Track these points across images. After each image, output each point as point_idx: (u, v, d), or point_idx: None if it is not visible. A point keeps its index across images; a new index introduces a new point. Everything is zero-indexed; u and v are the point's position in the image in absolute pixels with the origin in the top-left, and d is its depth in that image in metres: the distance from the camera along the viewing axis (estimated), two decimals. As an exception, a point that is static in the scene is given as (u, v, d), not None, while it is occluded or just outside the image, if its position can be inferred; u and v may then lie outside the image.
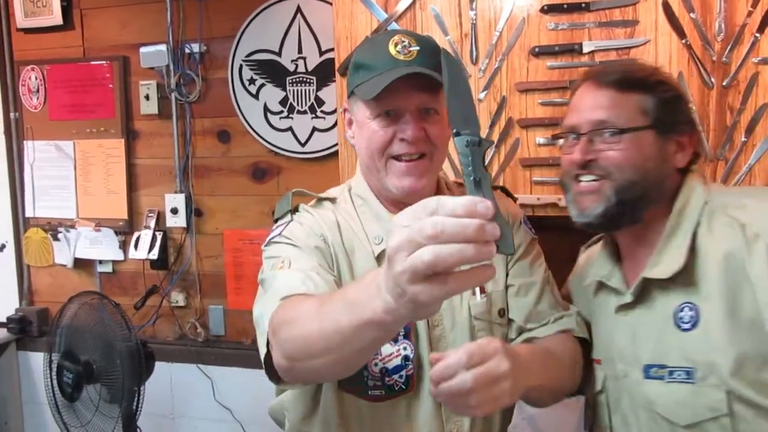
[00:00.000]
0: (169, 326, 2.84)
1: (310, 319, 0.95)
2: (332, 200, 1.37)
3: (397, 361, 1.23)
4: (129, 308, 2.63)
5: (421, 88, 1.20)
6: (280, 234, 1.29)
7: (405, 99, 1.21)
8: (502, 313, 1.33)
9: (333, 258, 1.26)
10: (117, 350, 2.24)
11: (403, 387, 1.24)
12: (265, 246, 1.31)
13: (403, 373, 1.24)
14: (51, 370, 2.39)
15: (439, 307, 0.76)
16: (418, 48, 1.21)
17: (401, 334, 1.24)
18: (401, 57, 1.20)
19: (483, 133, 1.93)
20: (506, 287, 1.35)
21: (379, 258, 1.27)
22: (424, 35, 1.28)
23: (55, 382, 2.35)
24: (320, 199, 1.37)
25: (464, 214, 0.68)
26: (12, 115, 2.95)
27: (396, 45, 1.21)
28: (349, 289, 0.90)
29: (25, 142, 2.95)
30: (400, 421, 1.26)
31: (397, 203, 1.30)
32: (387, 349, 1.23)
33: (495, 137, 1.92)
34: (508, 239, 0.70)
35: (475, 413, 1.03)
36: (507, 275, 1.35)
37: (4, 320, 2.99)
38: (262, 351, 1.10)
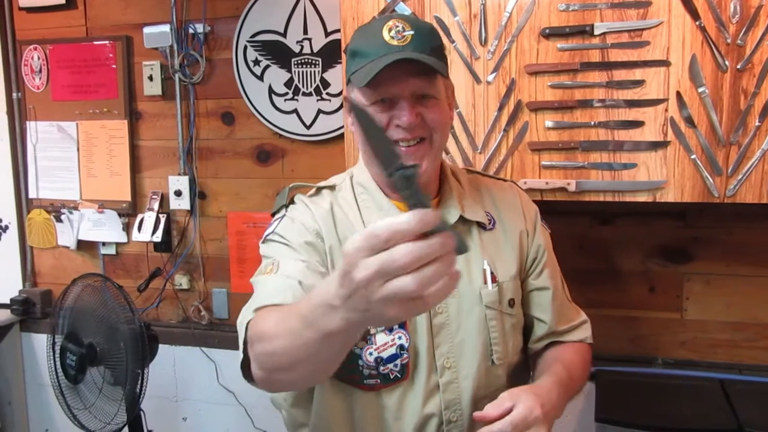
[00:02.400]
0: (173, 309, 2.83)
1: (276, 336, 0.95)
2: (332, 188, 1.36)
3: (392, 351, 1.23)
4: (132, 291, 2.62)
5: (416, 73, 1.19)
6: (273, 231, 1.28)
7: (400, 85, 1.19)
8: (512, 303, 1.32)
9: (327, 252, 1.25)
10: (120, 333, 2.23)
11: (399, 375, 1.24)
12: (262, 243, 1.31)
13: (398, 362, 1.24)
14: (54, 352, 2.38)
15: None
16: (412, 32, 1.19)
17: (397, 323, 1.23)
18: (395, 42, 1.18)
19: (491, 116, 1.90)
20: (533, 287, 1.38)
21: None
22: (419, 18, 1.26)
23: (58, 364, 2.35)
24: (319, 189, 1.36)
25: (421, 230, 0.70)
26: (14, 95, 2.92)
27: (390, 30, 1.19)
28: (302, 305, 0.88)
29: (27, 122, 2.93)
30: (395, 409, 1.26)
31: None
32: (381, 338, 1.23)
33: (503, 120, 1.89)
34: (461, 241, 0.73)
35: None
36: (533, 272, 1.38)
37: (8, 302, 2.98)
38: (239, 357, 1.09)
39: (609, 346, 2.20)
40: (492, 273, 1.29)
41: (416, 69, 1.18)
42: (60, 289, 2.47)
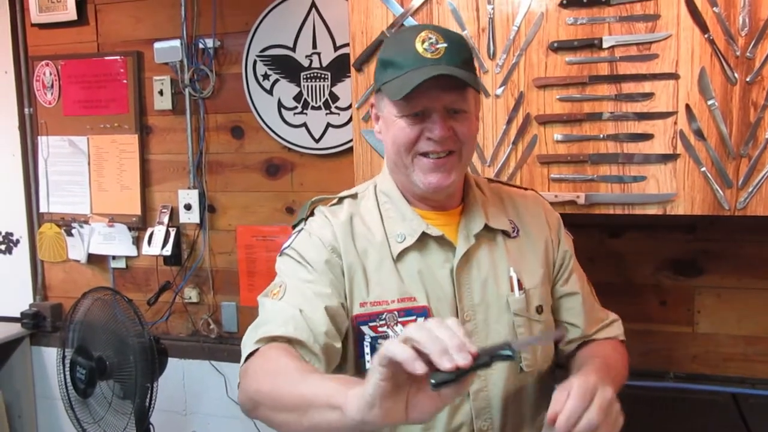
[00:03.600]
0: (182, 322, 2.84)
1: (278, 396, 1.01)
2: (353, 197, 1.36)
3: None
4: (142, 304, 2.63)
5: (449, 88, 1.19)
6: (290, 245, 1.30)
7: (432, 99, 1.19)
8: (540, 310, 1.32)
9: (343, 270, 1.25)
10: (130, 346, 2.23)
11: None
12: (279, 255, 1.32)
13: None
14: (64, 365, 2.39)
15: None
16: (445, 45, 1.19)
17: None
18: (428, 55, 1.18)
19: (500, 129, 1.90)
20: (561, 293, 1.38)
21: (400, 256, 1.26)
22: (450, 30, 1.26)
23: (68, 377, 2.35)
24: (341, 198, 1.36)
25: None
26: (26, 110, 2.95)
27: (423, 42, 1.19)
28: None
29: (39, 137, 2.95)
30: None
31: (423, 199, 1.30)
32: None
33: (512, 133, 1.89)
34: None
35: None
36: (560, 278, 1.39)
37: (18, 315, 2.99)
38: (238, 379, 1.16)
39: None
40: (519, 280, 1.30)
41: (449, 83, 1.18)
42: (70, 303, 2.48)
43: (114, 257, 2.90)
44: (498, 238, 1.33)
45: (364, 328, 1.24)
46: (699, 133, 1.76)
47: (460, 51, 1.21)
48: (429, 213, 1.30)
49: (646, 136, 1.80)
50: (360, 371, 1.24)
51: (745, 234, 2.11)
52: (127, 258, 2.89)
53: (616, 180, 1.83)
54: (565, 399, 0.99)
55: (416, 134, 1.21)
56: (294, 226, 1.36)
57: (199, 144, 2.74)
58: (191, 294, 2.78)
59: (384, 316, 1.23)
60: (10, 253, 3.05)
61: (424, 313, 1.24)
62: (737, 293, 2.15)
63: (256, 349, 1.14)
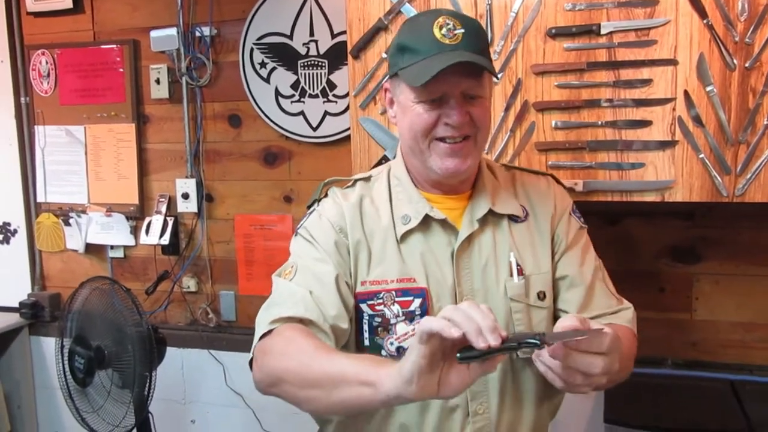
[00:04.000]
0: (181, 312, 2.84)
1: (300, 365, 1.06)
2: (367, 179, 1.38)
3: (413, 341, 1.22)
4: (140, 293, 2.62)
5: (467, 73, 1.19)
6: (302, 226, 1.34)
7: (451, 85, 1.19)
8: (542, 296, 1.31)
9: (350, 249, 1.28)
10: (128, 336, 2.23)
11: None
12: (294, 236, 1.36)
13: None
14: (63, 355, 2.39)
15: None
16: (463, 31, 1.19)
17: (417, 313, 1.25)
18: (447, 41, 1.18)
19: (498, 116, 1.89)
20: (554, 277, 1.34)
21: (404, 237, 1.28)
22: (468, 17, 1.26)
23: (67, 367, 2.35)
24: (355, 181, 1.38)
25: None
26: (22, 99, 2.94)
27: (441, 28, 1.19)
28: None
29: (35, 126, 2.94)
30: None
31: (438, 184, 1.31)
32: (402, 328, 1.25)
33: (510, 120, 1.89)
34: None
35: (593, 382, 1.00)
36: (554, 261, 1.35)
37: (17, 305, 2.99)
38: (250, 356, 1.19)
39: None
40: (519, 265, 1.29)
41: (467, 69, 1.18)
42: (68, 293, 2.48)
43: (112, 247, 2.90)
44: (504, 222, 1.33)
45: (363, 306, 1.27)
46: (697, 120, 1.75)
47: (477, 37, 1.21)
48: (437, 197, 1.32)
49: (645, 123, 1.79)
50: (359, 348, 1.28)
51: (743, 220, 2.11)
52: (125, 247, 2.89)
53: (615, 167, 1.83)
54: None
55: (434, 119, 1.22)
56: (309, 206, 1.38)
57: (197, 133, 2.73)
58: (189, 283, 2.78)
59: (381, 295, 1.26)
60: (8, 243, 3.05)
61: (422, 294, 1.25)
62: (735, 280, 2.15)
63: (271, 330, 1.17)
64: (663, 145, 1.78)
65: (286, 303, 1.21)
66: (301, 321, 1.17)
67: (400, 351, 1.25)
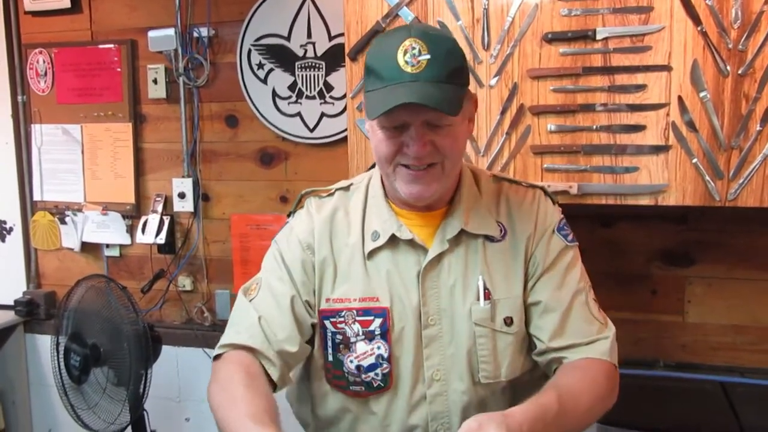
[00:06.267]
0: (176, 310, 2.85)
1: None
2: (346, 188, 1.36)
3: (371, 360, 1.26)
4: (136, 292, 2.63)
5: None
6: (276, 237, 1.35)
7: (411, 114, 1.14)
8: (509, 321, 1.26)
9: (315, 266, 1.29)
10: (124, 334, 2.24)
11: (382, 384, 1.26)
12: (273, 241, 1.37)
13: (379, 371, 1.26)
14: (58, 352, 2.39)
15: None
16: (428, 57, 1.12)
17: (377, 333, 1.25)
18: (409, 69, 1.12)
19: (494, 120, 1.91)
20: (528, 302, 1.28)
21: (371, 254, 1.27)
22: (439, 34, 1.18)
23: (62, 364, 2.36)
24: (334, 190, 1.36)
25: None
26: (20, 98, 2.94)
27: (405, 53, 1.13)
28: None
29: (32, 125, 2.94)
30: (383, 416, 1.28)
31: (408, 204, 1.28)
32: (361, 347, 1.26)
33: (506, 124, 1.91)
34: None
35: None
36: (528, 286, 1.28)
37: (12, 303, 2.99)
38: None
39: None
40: (486, 289, 1.25)
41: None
42: (64, 291, 2.49)
43: (108, 245, 2.90)
44: (478, 242, 1.27)
45: (327, 323, 1.28)
46: (691, 125, 1.77)
47: (445, 62, 1.14)
48: (410, 214, 1.29)
49: (639, 128, 1.81)
50: (325, 360, 1.30)
51: (735, 225, 2.13)
52: (121, 246, 2.89)
53: (609, 170, 1.85)
54: None
55: (396, 147, 1.18)
56: (289, 215, 1.38)
57: (194, 133, 2.73)
58: (185, 282, 2.79)
59: (343, 314, 1.26)
60: (4, 241, 3.05)
61: (383, 314, 1.25)
62: (727, 283, 2.18)
63: (221, 354, 1.26)
64: (657, 149, 1.81)
65: (238, 325, 1.27)
66: (247, 348, 1.22)
67: (360, 369, 1.26)
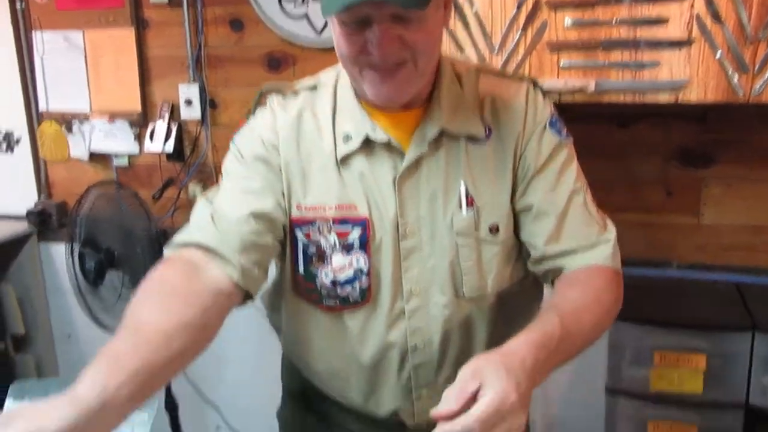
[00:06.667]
0: (187, 218, 2.82)
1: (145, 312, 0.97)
2: (313, 88, 1.22)
3: (350, 274, 1.16)
4: (147, 200, 2.62)
5: None
6: (234, 138, 1.24)
7: (373, 8, 0.98)
8: (495, 230, 1.16)
9: (281, 167, 1.16)
10: (137, 238, 2.25)
11: (359, 299, 1.18)
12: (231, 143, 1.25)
13: (357, 285, 1.17)
14: (73, 258, 2.41)
15: None
16: None
17: (356, 245, 1.15)
18: None
19: (509, 15, 1.83)
20: (518, 208, 1.18)
21: (344, 160, 1.15)
22: None
23: (77, 268, 2.38)
24: (299, 90, 1.22)
25: None
26: (18, 4, 2.85)
27: None
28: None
29: (33, 32, 2.87)
30: (358, 332, 1.20)
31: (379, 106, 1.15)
32: (338, 259, 1.16)
33: (521, 19, 1.83)
34: None
35: None
36: (518, 190, 1.18)
37: (24, 214, 3.00)
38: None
39: (624, 250, 2.20)
40: (468, 195, 1.14)
41: None
42: (75, 201, 2.48)
43: (116, 155, 2.88)
44: (460, 144, 1.15)
45: (297, 232, 1.17)
46: (716, 16, 1.69)
47: None
48: (383, 114, 1.15)
49: (661, 21, 1.74)
50: (296, 273, 1.20)
51: (757, 123, 2.08)
52: (130, 156, 2.86)
53: (628, 66, 1.78)
54: (470, 397, 0.84)
55: (358, 46, 1.03)
56: (247, 115, 1.26)
57: (198, 37, 2.66)
58: (195, 189, 2.77)
59: (317, 224, 1.16)
60: (12, 151, 3.03)
61: (363, 224, 1.14)
62: (746, 184, 2.14)
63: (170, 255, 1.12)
64: (679, 44, 1.73)
65: (190, 225, 1.14)
66: (201, 247, 1.08)
67: (336, 284, 1.17)
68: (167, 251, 1.11)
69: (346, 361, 1.23)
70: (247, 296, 1.11)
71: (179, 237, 1.12)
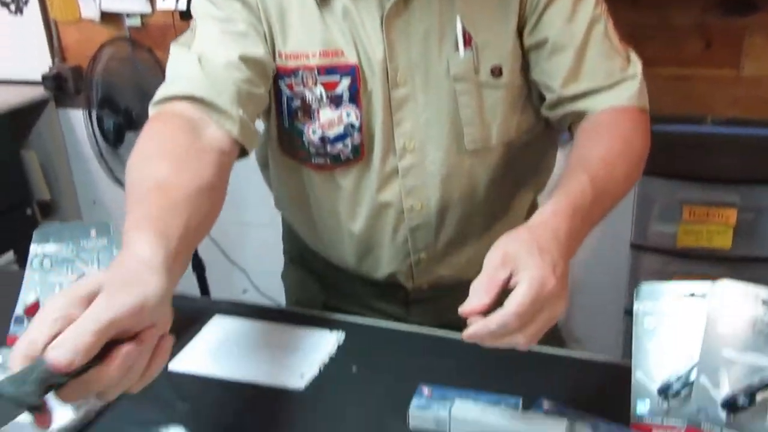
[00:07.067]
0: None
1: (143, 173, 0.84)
2: None
3: (340, 130, 1.05)
4: (162, 59, 2.54)
5: None
6: None
7: None
8: (498, 72, 1.03)
9: (259, 7, 1.01)
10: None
11: (351, 156, 1.07)
12: None
13: (348, 142, 1.06)
14: (92, 122, 2.39)
15: None
16: None
17: (345, 97, 1.02)
18: None
19: None
20: (528, 44, 1.03)
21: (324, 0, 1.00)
22: None
23: (97, 131, 2.36)
24: None
25: None
26: None
27: None
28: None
29: None
30: (352, 192, 1.11)
31: None
32: (326, 114, 1.04)
33: None
34: None
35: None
36: (523, 26, 1.02)
37: (39, 79, 2.94)
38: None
39: (656, 105, 2.12)
40: (466, 33, 0.99)
41: None
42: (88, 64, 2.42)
43: (128, 15, 2.77)
44: None
45: (281, 84, 1.05)
46: None
47: None
48: None
49: None
50: (282, 129, 1.10)
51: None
52: (142, 15, 2.76)
53: None
54: (501, 285, 0.72)
55: None
56: None
57: None
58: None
59: (300, 74, 1.02)
60: (21, 13, 2.93)
61: (352, 72, 1.01)
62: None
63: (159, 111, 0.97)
64: None
65: (173, 76, 0.99)
66: (195, 99, 0.94)
67: (325, 141, 1.06)
68: (154, 109, 0.97)
69: (339, 223, 1.15)
70: (242, 152, 1.00)
71: (166, 89, 0.96)
